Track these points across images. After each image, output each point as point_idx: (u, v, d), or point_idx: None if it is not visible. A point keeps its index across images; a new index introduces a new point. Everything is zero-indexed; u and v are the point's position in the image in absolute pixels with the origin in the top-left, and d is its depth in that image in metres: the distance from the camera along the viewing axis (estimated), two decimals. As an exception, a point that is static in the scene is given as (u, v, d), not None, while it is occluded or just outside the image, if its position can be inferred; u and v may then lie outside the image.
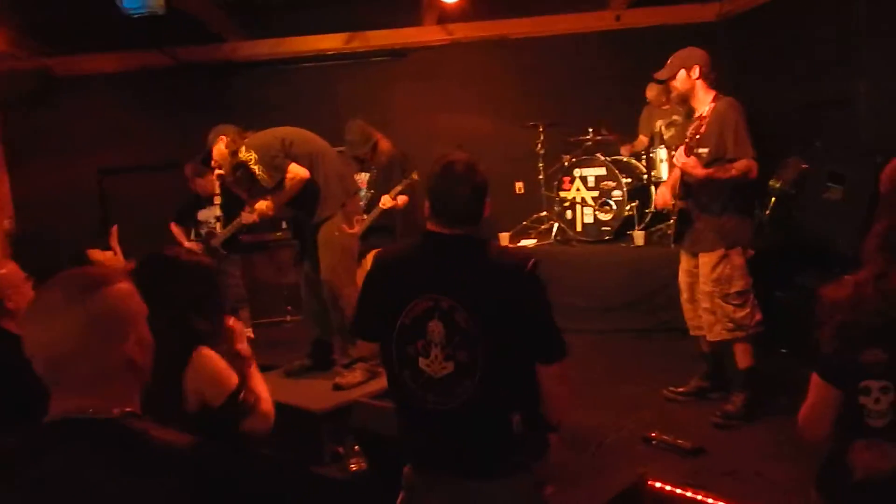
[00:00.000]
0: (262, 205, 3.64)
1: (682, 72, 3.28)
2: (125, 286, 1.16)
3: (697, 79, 3.27)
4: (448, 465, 1.79)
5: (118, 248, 4.58)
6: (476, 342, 1.67)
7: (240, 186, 3.76)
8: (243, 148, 3.54)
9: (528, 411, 1.75)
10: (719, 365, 3.58)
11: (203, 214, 5.02)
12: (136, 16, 4.65)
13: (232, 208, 4.80)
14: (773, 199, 4.67)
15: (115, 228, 4.66)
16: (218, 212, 4.96)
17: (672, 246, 3.62)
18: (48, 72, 6.06)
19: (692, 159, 3.23)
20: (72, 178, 6.29)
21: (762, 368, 3.43)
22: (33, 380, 1.12)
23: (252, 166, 3.53)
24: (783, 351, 3.95)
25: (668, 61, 3.35)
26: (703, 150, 3.24)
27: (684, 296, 3.54)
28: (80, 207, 6.23)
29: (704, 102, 3.30)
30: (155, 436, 1.10)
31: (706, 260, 3.31)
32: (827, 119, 4.88)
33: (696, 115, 3.33)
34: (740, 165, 3.17)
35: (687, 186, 3.35)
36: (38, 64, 5.98)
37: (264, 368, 3.92)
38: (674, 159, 3.42)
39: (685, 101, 3.37)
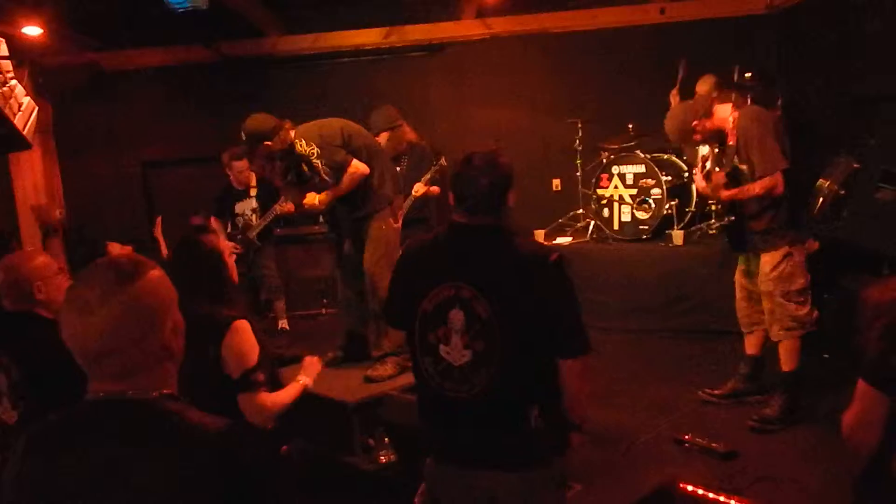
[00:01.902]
0: (314, 198, 3.54)
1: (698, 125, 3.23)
2: (157, 274, 1.17)
3: (713, 102, 3.25)
4: (465, 455, 1.81)
5: (162, 239, 4.71)
6: (494, 332, 1.69)
7: (284, 179, 3.66)
8: (302, 141, 3.43)
9: (548, 406, 1.73)
10: (760, 368, 3.48)
11: (240, 207, 5.11)
12: (180, 11, 4.76)
13: (268, 200, 4.88)
14: (821, 199, 4.51)
15: (159, 219, 4.78)
16: (254, 204, 5.05)
17: (732, 254, 3.56)
18: (96, 66, 6.25)
19: (710, 183, 3.27)
20: (118, 170, 6.50)
21: (804, 373, 3.32)
22: (70, 365, 1.14)
23: (314, 161, 3.43)
24: (826, 356, 3.82)
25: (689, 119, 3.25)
26: (744, 166, 3.19)
27: (739, 294, 3.48)
28: (125, 199, 6.44)
29: (726, 115, 3.24)
30: (190, 417, 1.12)
31: (768, 259, 3.23)
32: (881, 116, 4.68)
33: (728, 129, 3.26)
34: (764, 184, 3.10)
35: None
36: (87, 59, 6.17)
37: (299, 359, 4.03)
38: (693, 185, 3.39)
39: (720, 132, 3.29)
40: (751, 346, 3.48)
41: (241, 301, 2.16)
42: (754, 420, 3.22)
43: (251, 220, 4.99)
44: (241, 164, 4.99)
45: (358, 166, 3.47)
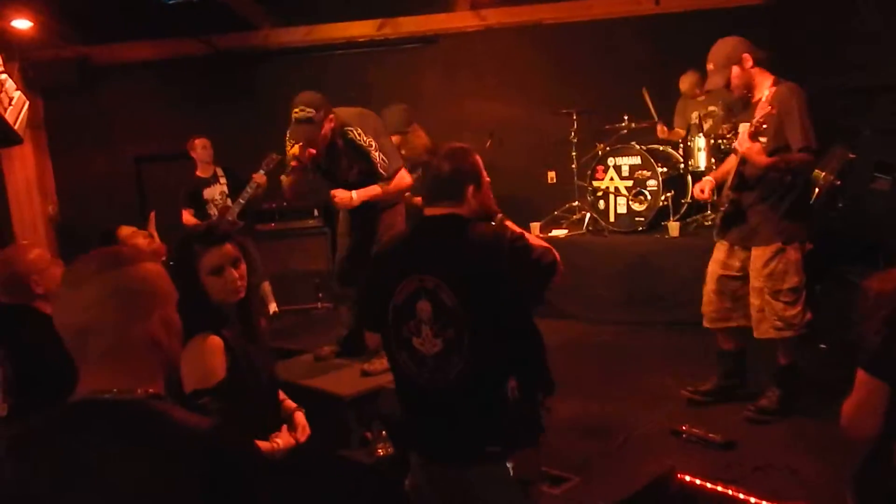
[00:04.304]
0: (347, 195, 3.31)
1: (735, 69, 3.09)
2: (154, 267, 1.18)
3: (752, 67, 3.09)
4: (441, 445, 1.84)
5: (156, 235, 4.68)
6: (461, 319, 1.71)
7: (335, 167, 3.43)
8: (359, 130, 3.26)
9: (521, 382, 1.76)
10: (741, 360, 3.41)
11: (208, 192, 5.04)
12: (171, 3, 4.72)
13: (238, 186, 4.85)
14: (817, 189, 4.52)
15: (153, 215, 4.75)
16: (223, 188, 5.02)
17: (714, 237, 3.41)
18: (86, 60, 6.19)
19: (756, 145, 3.02)
20: (110, 165, 6.45)
21: (801, 364, 3.32)
22: (63, 359, 1.14)
23: (374, 153, 3.25)
24: (822, 346, 3.83)
25: (710, 65, 3.15)
26: (763, 139, 3.06)
27: (711, 286, 3.34)
28: (118, 194, 6.39)
29: (763, 87, 3.11)
30: (176, 418, 1.11)
31: (759, 254, 3.14)
32: (876, 106, 4.70)
33: (755, 99, 3.13)
34: (801, 157, 2.99)
35: (742, 177, 3.16)
36: (77, 52, 6.11)
37: (295, 353, 4.00)
38: (735, 143, 3.16)
39: (749, 94, 3.16)
40: (725, 342, 3.38)
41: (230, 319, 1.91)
42: (750, 411, 3.20)
43: (227, 202, 4.94)
44: (204, 140, 4.98)
45: (406, 176, 3.36)
